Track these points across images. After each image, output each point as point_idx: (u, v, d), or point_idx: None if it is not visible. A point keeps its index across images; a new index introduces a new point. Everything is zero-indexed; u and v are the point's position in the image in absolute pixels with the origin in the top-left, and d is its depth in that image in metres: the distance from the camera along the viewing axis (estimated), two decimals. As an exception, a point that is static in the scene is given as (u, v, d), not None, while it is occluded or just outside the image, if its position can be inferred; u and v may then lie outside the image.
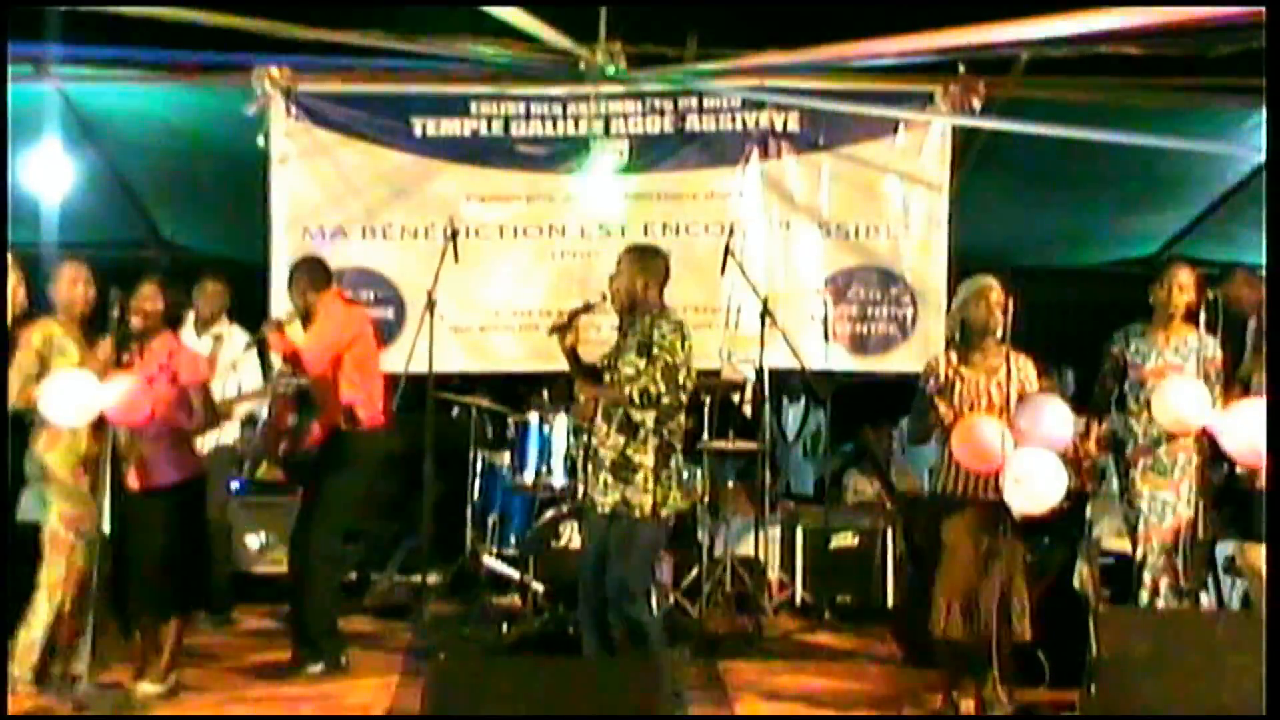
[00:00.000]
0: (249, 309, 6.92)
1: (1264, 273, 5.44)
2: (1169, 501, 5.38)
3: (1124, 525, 5.68)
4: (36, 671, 5.08)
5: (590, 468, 4.96)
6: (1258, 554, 5.36)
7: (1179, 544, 5.33)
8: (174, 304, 5.31)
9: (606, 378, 4.99)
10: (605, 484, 4.85)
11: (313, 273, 5.90)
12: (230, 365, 6.58)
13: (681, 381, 4.87)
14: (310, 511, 5.76)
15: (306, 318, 5.79)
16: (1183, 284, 5.45)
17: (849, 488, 7.91)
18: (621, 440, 4.85)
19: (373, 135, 6.99)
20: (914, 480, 7.57)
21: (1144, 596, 5.35)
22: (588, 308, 5.13)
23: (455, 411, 7.45)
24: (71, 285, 5.30)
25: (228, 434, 6.68)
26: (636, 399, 4.78)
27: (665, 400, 4.81)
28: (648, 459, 4.85)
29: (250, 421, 6.91)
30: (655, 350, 4.82)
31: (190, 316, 6.56)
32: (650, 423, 4.86)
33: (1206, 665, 4.26)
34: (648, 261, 5.09)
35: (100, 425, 4.98)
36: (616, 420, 4.88)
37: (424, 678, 3.62)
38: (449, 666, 4.06)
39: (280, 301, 6.87)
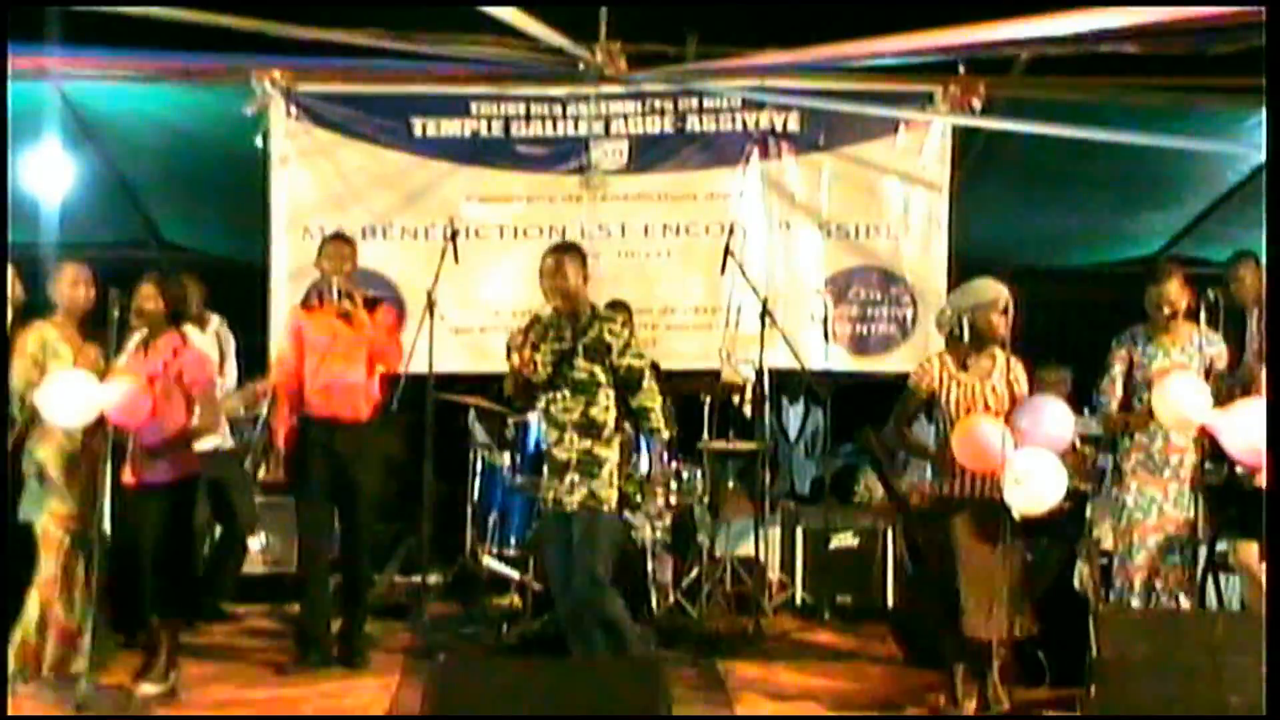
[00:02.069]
0: (249, 309, 6.93)
1: (1264, 272, 5.43)
2: (1156, 499, 5.38)
3: (1110, 520, 5.68)
4: (30, 670, 5.09)
5: (548, 470, 5.00)
6: (1249, 551, 5.37)
7: (1171, 544, 5.33)
8: (174, 301, 5.29)
9: (553, 383, 4.97)
10: (571, 484, 4.90)
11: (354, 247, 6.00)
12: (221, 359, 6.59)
13: (636, 376, 4.96)
14: (351, 506, 5.80)
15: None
16: (1173, 288, 5.44)
17: (863, 485, 7.90)
18: (588, 443, 4.91)
19: (373, 135, 6.99)
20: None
21: (1127, 594, 5.34)
22: (537, 319, 5.09)
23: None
24: (73, 286, 5.30)
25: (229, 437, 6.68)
26: (601, 418, 4.90)
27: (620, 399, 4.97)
28: (612, 454, 4.93)
29: (253, 421, 6.91)
30: (614, 356, 4.91)
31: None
32: (611, 422, 4.94)
33: (1206, 665, 4.26)
34: (582, 259, 5.07)
35: (99, 425, 4.97)
36: (576, 423, 4.92)
37: (424, 678, 3.62)
38: (449, 666, 4.06)
39: (281, 300, 6.90)
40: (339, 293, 5.75)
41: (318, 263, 5.90)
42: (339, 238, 6.02)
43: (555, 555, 5.08)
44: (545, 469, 5.09)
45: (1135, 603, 5.28)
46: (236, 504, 6.56)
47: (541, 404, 5.04)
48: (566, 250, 5.11)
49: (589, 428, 4.93)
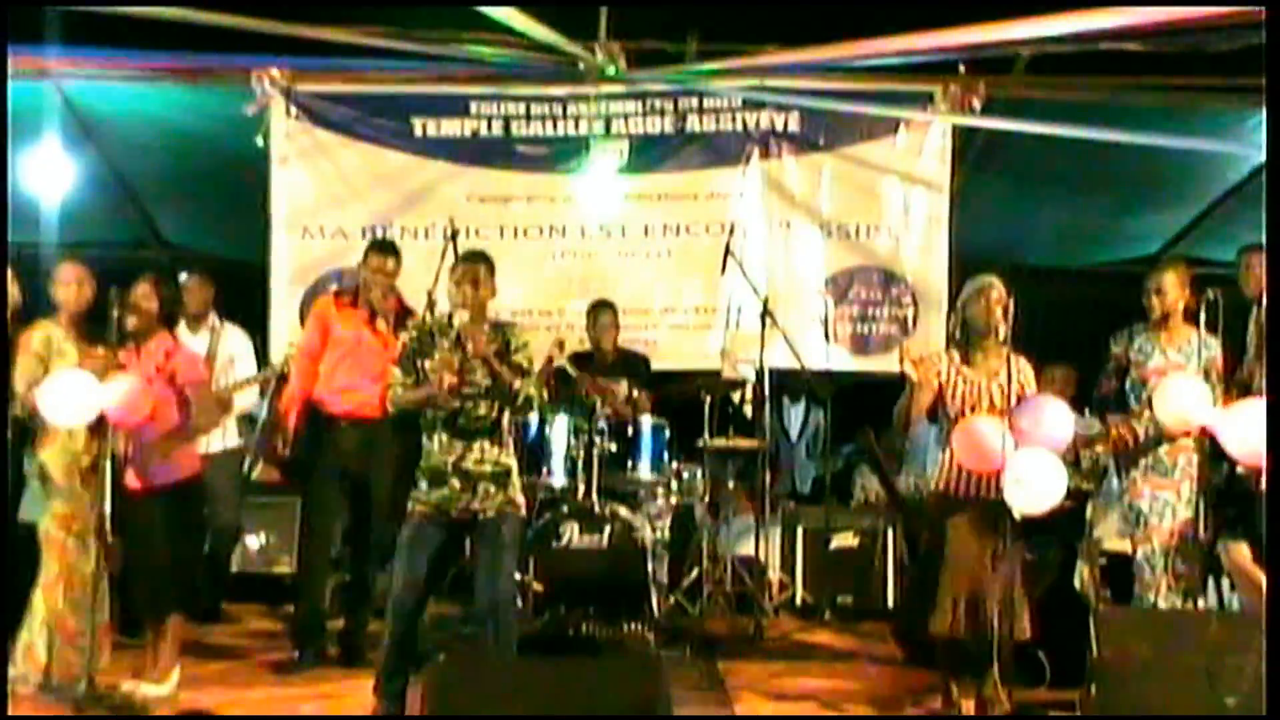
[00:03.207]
0: (248, 309, 6.93)
1: (1264, 270, 5.41)
2: (1169, 502, 5.37)
3: (1124, 525, 5.67)
4: (32, 671, 5.09)
5: (456, 482, 4.84)
6: (1239, 551, 5.37)
7: (1179, 545, 5.33)
8: (169, 301, 5.27)
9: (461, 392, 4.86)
10: (488, 492, 4.85)
11: None
12: (229, 360, 6.57)
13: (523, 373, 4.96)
14: (361, 504, 5.82)
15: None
16: (1167, 286, 5.44)
17: (859, 486, 7.92)
18: (496, 451, 4.90)
19: (373, 135, 7.01)
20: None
21: (1149, 597, 5.33)
22: (423, 324, 5.04)
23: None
24: (69, 286, 5.29)
25: (234, 436, 6.66)
26: (506, 424, 4.93)
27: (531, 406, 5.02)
28: (514, 462, 4.97)
29: (249, 420, 6.90)
30: (519, 360, 4.88)
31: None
32: (509, 427, 4.97)
33: (1206, 665, 4.26)
34: (489, 269, 4.94)
35: (99, 425, 4.97)
36: (488, 431, 4.88)
37: (424, 678, 3.62)
38: (449, 666, 4.06)
39: (281, 300, 6.90)
40: (373, 309, 5.76)
41: (360, 265, 5.88)
42: (383, 249, 5.88)
43: (428, 559, 4.88)
44: (447, 481, 4.83)
45: (1162, 605, 5.27)
46: (218, 509, 6.54)
47: (442, 415, 4.87)
48: (478, 256, 4.98)
49: (495, 433, 4.89)
